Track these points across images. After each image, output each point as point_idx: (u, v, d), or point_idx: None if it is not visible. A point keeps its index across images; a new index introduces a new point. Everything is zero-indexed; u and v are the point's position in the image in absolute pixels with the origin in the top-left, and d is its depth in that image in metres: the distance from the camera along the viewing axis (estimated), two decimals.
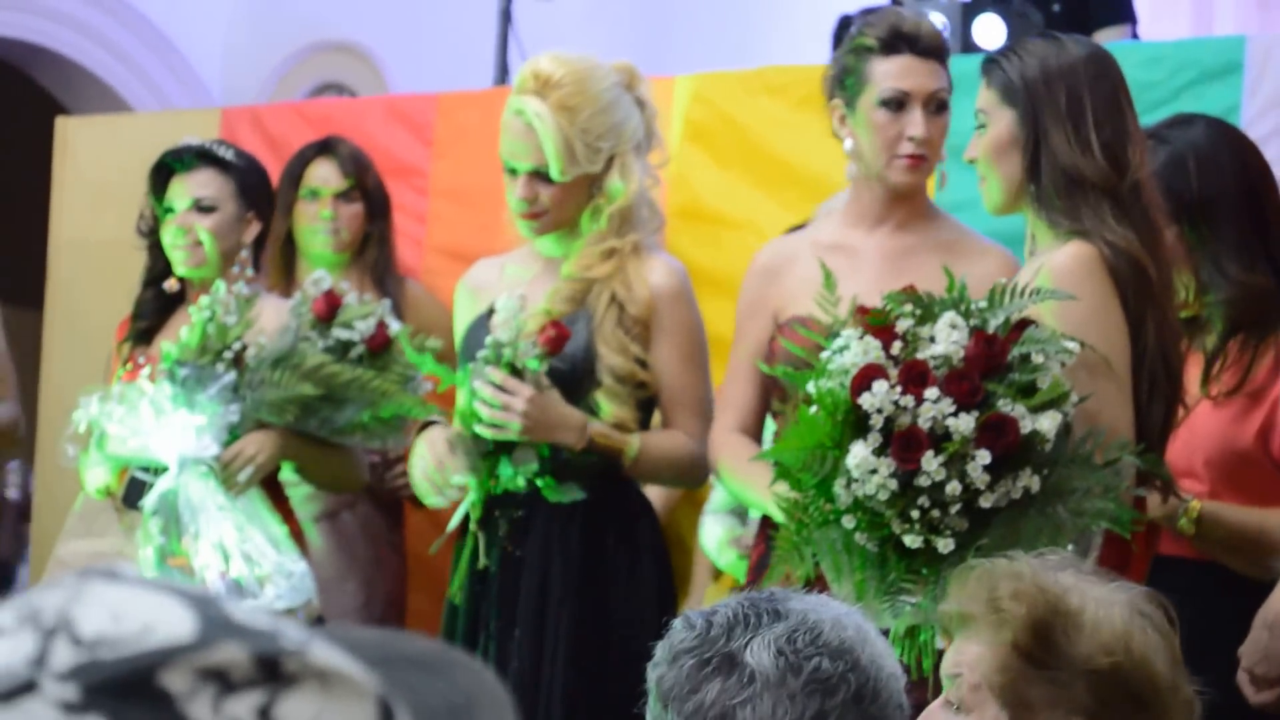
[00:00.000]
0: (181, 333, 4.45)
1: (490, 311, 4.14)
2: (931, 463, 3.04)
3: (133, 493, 4.41)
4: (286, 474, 4.58)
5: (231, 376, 4.37)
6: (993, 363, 3.12)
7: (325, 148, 5.11)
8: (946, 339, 3.13)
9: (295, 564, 4.34)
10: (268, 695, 0.80)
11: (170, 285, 4.72)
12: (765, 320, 3.92)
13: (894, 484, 3.05)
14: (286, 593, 4.28)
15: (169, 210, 4.67)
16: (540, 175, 4.12)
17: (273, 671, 0.80)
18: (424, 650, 0.92)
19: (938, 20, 5.15)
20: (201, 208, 4.66)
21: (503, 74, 6.29)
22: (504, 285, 4.20)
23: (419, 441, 4.17)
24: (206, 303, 4.44)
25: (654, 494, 4.38)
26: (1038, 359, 3.14)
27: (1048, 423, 3.08)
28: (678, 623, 2.08)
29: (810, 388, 3.16)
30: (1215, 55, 4.65)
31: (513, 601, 4.08)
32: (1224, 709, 3.51)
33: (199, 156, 4.70)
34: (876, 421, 3.08)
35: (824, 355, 3.20)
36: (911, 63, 3.81)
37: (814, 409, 3.15)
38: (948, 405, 3.07)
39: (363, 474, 4.72)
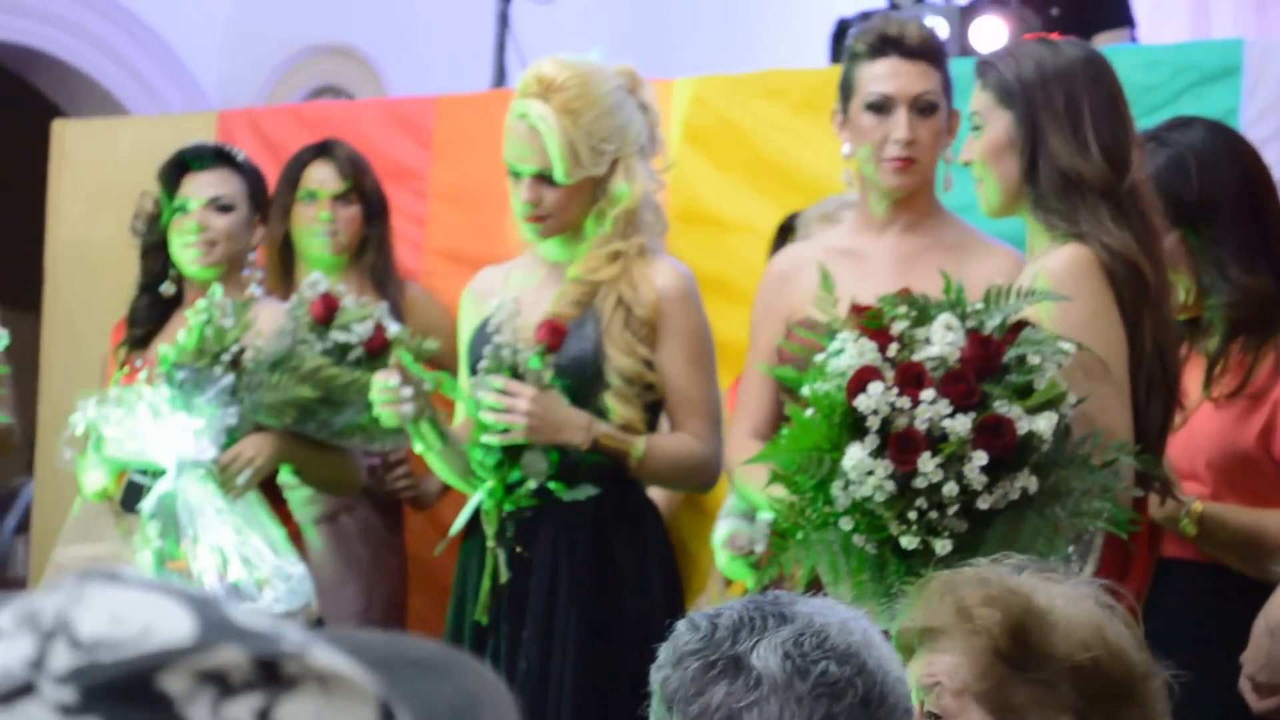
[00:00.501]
0: (179, 336, 4.44)
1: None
2: (928, 464, 3.04)
3: (131, 496, 4.40)
4: (285, 477, 4.58)
5: (229, 379, 4.37)
6: (989, 364, 3.12)
7: (323, 150, 5.11)
8: (942, 341, 3.13)
9: (294, 567, 4.33)
10: (267, 698, 0.80)
11: (166, 290, 4.71)
12: (778, 326, 3.93)
13: (891, 485, 3.05)
14: (285, 596, 4.27)
15: (180, 208, 4.66)
16: (544, 178, 4.12)
17: (272, 674, 0.80)
18: (427, 653, 0.91)
19: (936, 24, 5.16)
20: (220, 206, 4.66)
21: (500, 76, 6.28)
22: (509, 292, 4.21)
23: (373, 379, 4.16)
24: (204, 306, 4.43)
25: (656, 497, 4.38)
26: (1034, 360, 3.14)
27: (1044, 424, 3.07)
28: (682, 625, 2.07)
29: (806, 390, 3.16)
30: (1214, 58, 4.66)
31: (521, 602, 4.09)
32: (1229, 713, 3.53)
33: (216, 156, 4.71)
34: (873, 423, 3.07)
35: (819, 358, 3.19)
36: (897, 65, 3.82)
37: (810, 411, 3.15)
38: (944, 407, 3.07)
39: (361, 476, 4.71)
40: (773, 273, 4.03)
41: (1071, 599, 2.22)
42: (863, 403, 3.08)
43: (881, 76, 3.82)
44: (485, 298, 4.27)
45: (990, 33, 5.24)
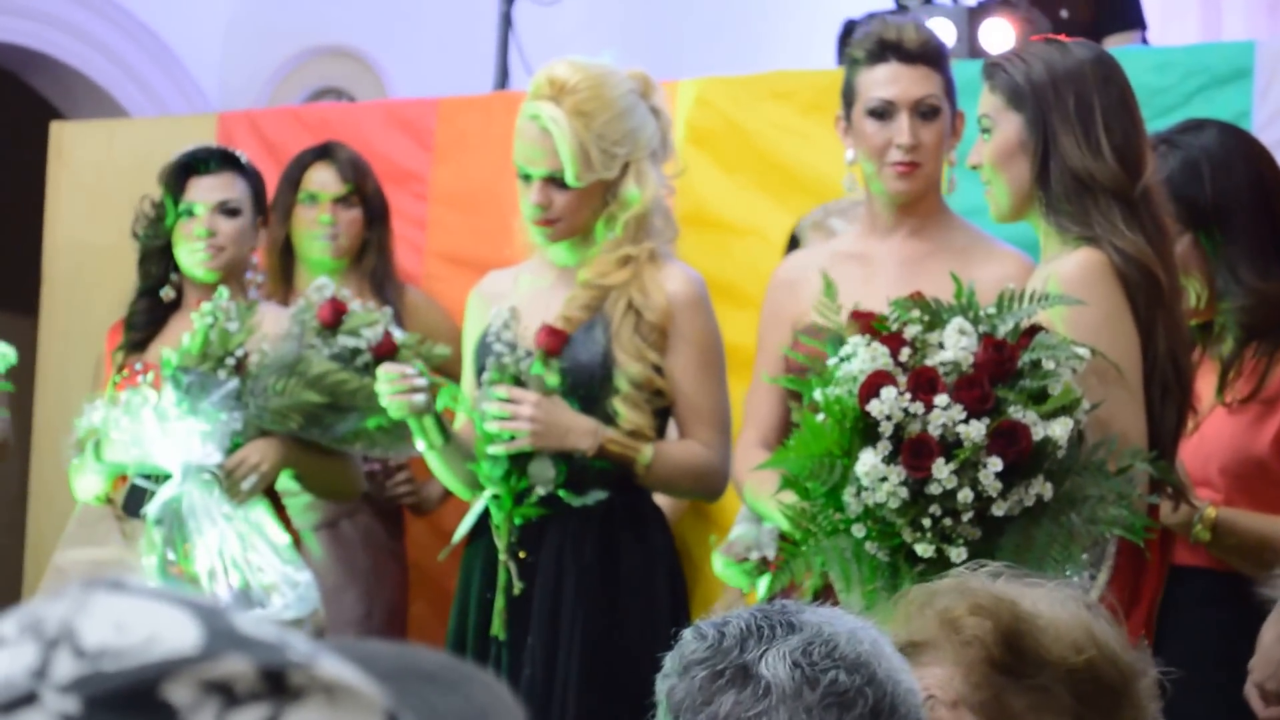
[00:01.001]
0: (183, 339, 4.42)
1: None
2: (943, 470, 3.02)
3: (134, 501, 4.38)
4: (284, 483, 4.57)
5: (234, 384, 4.36)
6: (1003, 369, 3.10)
7: (324, 152, 5.10)
8: (955, 345, 3.11)
9: (300, 573, 4.33)
10: (272, 709, 0.79)
11: (167, 294, 4.68)
12: (785, 332, 3.92)
13: (904, 492, 3.04)
14: (294, 602, 4.27)
15: (186, 212, 4.64)
16: (555, 181, 4.11)
17: (278, 684, 0.79)
18: (437, 664, 0.91)
19: (944, 25, 5.14)
20: (227, 210, 4.65)
21: (503, 78, 6.26)
22: (517, 296, 4.21)
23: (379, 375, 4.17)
24: (209, 309, 4.42)
25: (660, 504, 4.36)
26: (1048, 365, 3.12)
27: (1059, 429, 3.06)
28: (688, 633, 2.05)
29: (817, 395, 3.13)
30: (1225, 60, 4.65)
31: (526, 609, 4.08)
32: None
33: (222, 159, 4.70)
34: (886, 429, 3.06)
35: (830, 363, 3.17)
36: (897, 70, 3.82)
37: (821, 417, 3.12)
38: (958, 412, 3.05)
39: (360, 483, 4.71)
40: (779, 280, 4.03)
41: (1055, 602, 2.21)
42: (875, 408, 3.06)
43: (882, 82, 3.82)
44: (493, 301, 4.26)
45: (999, 34, 5.22)
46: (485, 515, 4.16)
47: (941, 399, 3.05)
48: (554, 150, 4.09)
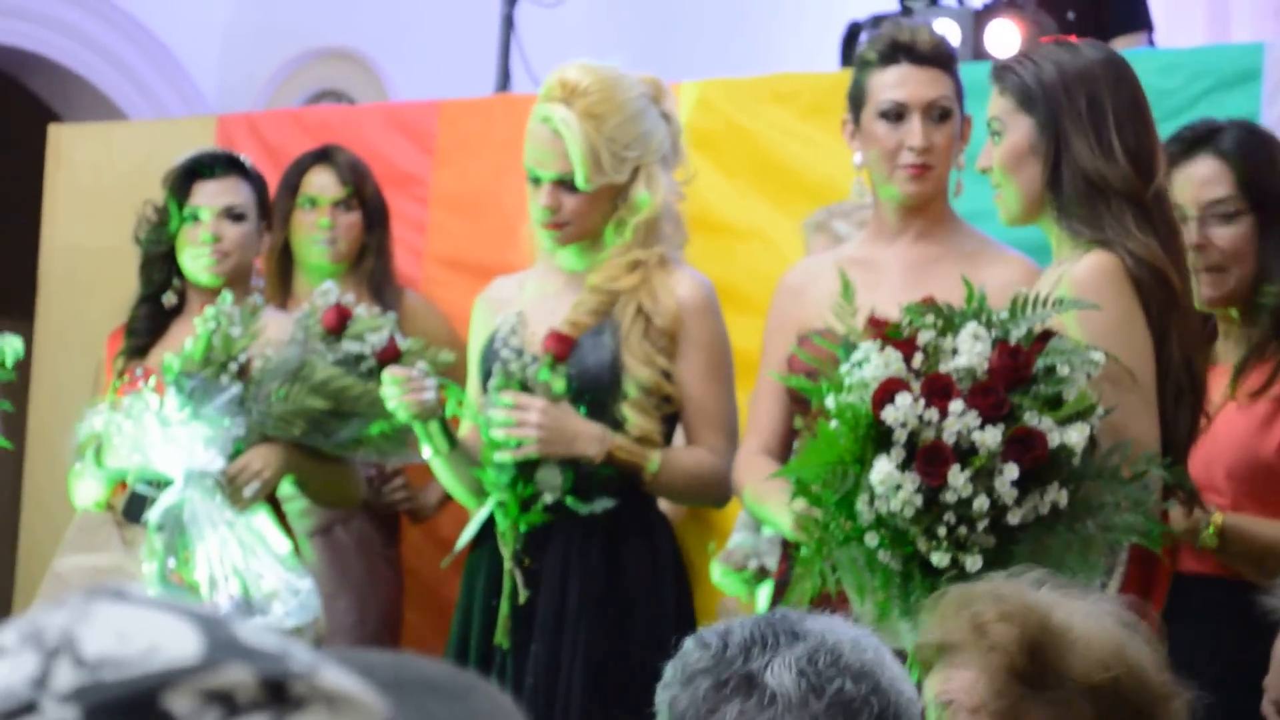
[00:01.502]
0: (186, 344, 4.40)
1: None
2: (958, 477, 2.99)
3: (134, 507, 4.37)
4: (283, 489, 4.55)
5: (237, 389, 4.34)
6: (1017, 375, 3.07)
7: (323, 156, 5.10)
8: (970, 351, 3.08)
9: (302, 580, 4.31)
10: (274, 718, 0.79)
11: (169, 300, 4.65)
12: (790, 339, 3.91)
13: (919, 500, 3.00)
14: (295, 610, 4.26)
15: (192, 217, 4.61)
16: (565, 184, 4.11)
17: (279, 694, 0.80)
18: (440, 674, 0.91)
19: (949, 27, 5.11)
20: (233, 215, 4.64)
21: (505, 81, 6.24)
22: (524, 301, 4.20)
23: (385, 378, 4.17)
24: (212, 314, 4.41)
25: (663, 510, 4.33)
26: (1063, 370, 3.09)
27: (1076, 435, 3.04)
28: (690, 643, 2.05)
29: (829, 402, 3.11)
30: (1233, 62, 4.65)
31: (529, 617, 4.07)
32: None
33: (228, 164, 4.69)
34: (900, 436, 3.03)
35: (843, 369, 3.14)
36: (908, 72, 3.81)
37: (834, 423, 3.08)
38: (973, 418, 3.02)
39: (361, 490, 4.70)
40: (784, 286, 4.02)
41: (1091, 616, 2.21)
42: (890, 415, 3.02)
43: (894, 84, 3.81)
44: (500, 307, 4.26)
45: (1005, 37, 5.20)
46: (488, 522, 4.13)
47: (956, 405, 3.02)
48: (565, 153, 4.08)
